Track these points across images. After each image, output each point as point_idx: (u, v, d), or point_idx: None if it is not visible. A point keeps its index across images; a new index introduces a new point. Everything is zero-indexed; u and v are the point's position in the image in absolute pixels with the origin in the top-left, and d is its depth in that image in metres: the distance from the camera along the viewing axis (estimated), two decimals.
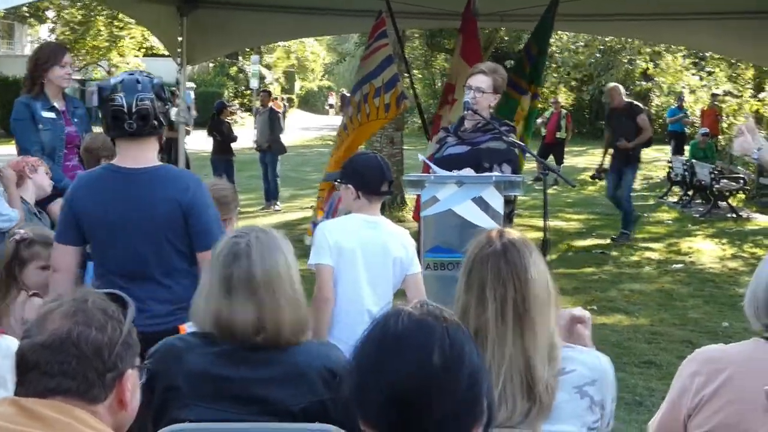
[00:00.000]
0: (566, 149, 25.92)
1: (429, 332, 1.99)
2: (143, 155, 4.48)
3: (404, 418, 1.95)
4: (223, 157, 18.10)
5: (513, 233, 3.15)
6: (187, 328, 3.63)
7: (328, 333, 4.92)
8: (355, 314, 4.94)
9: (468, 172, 6.39)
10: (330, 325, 4.97)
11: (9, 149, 6.42)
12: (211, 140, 18.80)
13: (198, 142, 23.04)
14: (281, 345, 3.20)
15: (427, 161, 6.67)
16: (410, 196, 14.71)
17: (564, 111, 25.90)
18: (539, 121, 22.58)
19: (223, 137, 18.15)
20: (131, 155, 4.46)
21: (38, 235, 4.99)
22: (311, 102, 70.22)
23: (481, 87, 6.68)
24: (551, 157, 23.29)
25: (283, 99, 37.54)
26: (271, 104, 19.69)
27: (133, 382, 2.43)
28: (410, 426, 1.95)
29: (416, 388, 1.94)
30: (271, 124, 18.78)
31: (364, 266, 5.00)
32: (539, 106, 10.97)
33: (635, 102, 15.65)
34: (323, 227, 5.15)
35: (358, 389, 2.03)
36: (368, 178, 5.10)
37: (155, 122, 4.41)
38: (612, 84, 16.04)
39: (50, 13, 42.02)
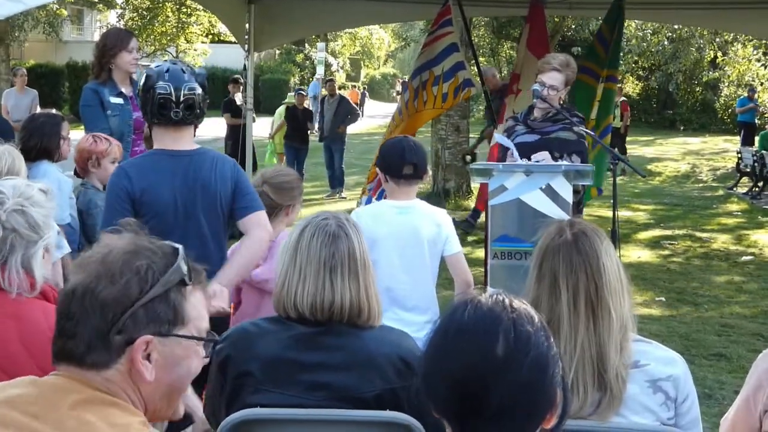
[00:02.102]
0: (629, 138, 25.59)
1: (493, 323, 1.96)
2: (184, 141, 4.53)
3: (466, 407, 1.94)
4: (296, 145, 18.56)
5: (584, 223, 3.15)
6: None
7: None
8: (389, 302, 4.93)
9: (543, 155, 6.35)
10: None
11: (80, 134, 6.51)
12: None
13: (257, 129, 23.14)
14: (367, 325, 3.20)
15: (503, 141, 6.63)
16: (475, 185, 14.62)
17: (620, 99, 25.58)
18: None
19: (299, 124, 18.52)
20: (173, 142, 4.50)
21: None
22: (376, 89, 70.27)
23: (554, 85, 6.67)
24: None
25: (363, 88, 37.48)
26: (343, 93, 19.75)
27: (163, 353, 2.03)
28: (472, 415, 1.94)
29: (475, 377, 1.92)
30: (343, 113, 18.88)
31: (397, 252, 4.99)
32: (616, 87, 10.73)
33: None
34: (354, 213, 5.14)
35: (425, 378, 2.03)
36: (389, 161, 5.11)
37: (198, 111, 4.47)
38: (486, 66, 15.83)
39: None
